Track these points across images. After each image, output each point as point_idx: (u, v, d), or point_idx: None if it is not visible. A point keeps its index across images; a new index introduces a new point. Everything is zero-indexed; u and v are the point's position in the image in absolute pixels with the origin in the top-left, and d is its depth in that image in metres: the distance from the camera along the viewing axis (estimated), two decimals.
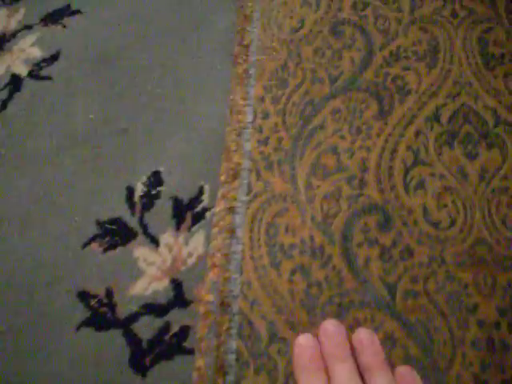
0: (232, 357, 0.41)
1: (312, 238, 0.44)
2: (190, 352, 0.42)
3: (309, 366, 0.39)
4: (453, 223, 0.44)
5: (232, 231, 0.44)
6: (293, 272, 0.43)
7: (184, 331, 0.43)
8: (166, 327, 0.43)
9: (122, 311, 0.44)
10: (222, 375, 0.40)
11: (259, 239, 0.44)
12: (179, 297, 0.43)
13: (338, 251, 0.43)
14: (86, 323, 0.43)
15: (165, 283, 0.44)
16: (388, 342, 0.41)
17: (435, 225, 0.44)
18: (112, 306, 0.44)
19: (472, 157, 0.46)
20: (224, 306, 0.43)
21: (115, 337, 0.43)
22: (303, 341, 0.40)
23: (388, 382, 0.38)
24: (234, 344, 0.42)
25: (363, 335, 0.40)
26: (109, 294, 0.44)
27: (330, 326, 0.40)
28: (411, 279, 0.42)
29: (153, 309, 0.43)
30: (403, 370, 0.39)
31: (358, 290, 0.42)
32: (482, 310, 0.42)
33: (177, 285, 0.44)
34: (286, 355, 0.41)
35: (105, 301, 0.44)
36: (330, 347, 0.39)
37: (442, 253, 0.43)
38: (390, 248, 0.43)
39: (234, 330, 0.42)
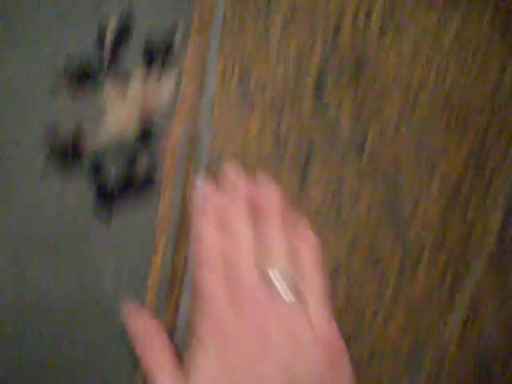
0: None
1: None
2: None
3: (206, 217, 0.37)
4: None
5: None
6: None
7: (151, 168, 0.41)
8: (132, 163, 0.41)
9: (88, 152, 0.42)
10: None
11: None
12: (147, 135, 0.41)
13: None
14: (52, 164, 0.42)
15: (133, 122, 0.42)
16: None
17: None
18: (78, 147, 0.42)
19: None
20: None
21: (80, 178, 0.41)
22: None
23: (287, 238, 0.36)
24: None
25: (267, 188, 0.38)
26: (76, 131, 0.42)
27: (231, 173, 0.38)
28: None
29: (119, 147, 0.41)
30: (304, 230, 0.37)
31: None
32: None
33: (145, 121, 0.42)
34: None
35: (70, 140, 0.42)
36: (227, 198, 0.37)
37: None
38: None
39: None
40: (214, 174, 0.38)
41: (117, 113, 0.40)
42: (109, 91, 0.39)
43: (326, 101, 0.39)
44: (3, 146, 0.39)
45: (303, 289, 0.35)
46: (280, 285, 0.34)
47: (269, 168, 0.38)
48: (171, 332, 0.38)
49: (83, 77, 0.38)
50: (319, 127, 0.39)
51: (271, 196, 0.37)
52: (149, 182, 0.39)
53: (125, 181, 0.39)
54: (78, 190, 0.40)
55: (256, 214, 0.36)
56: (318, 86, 0.39)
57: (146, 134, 0.40)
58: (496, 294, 0.40)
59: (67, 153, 0.39)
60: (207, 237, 0.35)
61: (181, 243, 0.38)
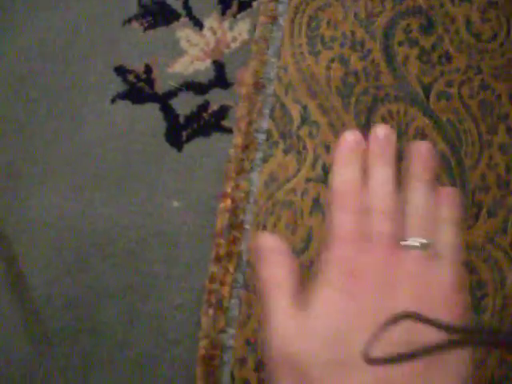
0: (262, 136, 0.40)
1: (353, 33, 0.43)
2: (228, 130, 0.41)
3: (348, 156, 0.37)
4: (494, 37, 0.44)
5: (274, 18, 0.44)
6: (331, 60, 0.43)
7: (223, 110, 0.42)
8: (205, 105, 0.42)
9: (161, 87, 0.43)
10: (252, 151, 0.40)
11: (300, 29, 0.44)
12: (221, 78, 0.42)
13: (378, 47, 0.43)
14: (122, 96, 0.42)
15: (207, 64, 0.43)
16: (418, 136, 0.40)
17: (477, 36, 0.43)
18: (150, 82, 0.42)
19: None
20: (258, 87, 0.42)
21: (152, 111, 0.42)
22: (349, 135, 0.38)
23: (426, 198, 0.36)
24: (265, 123, 0.41)
25: (424, 147, 0.38)
26: (148, 70, 0.43)
27: (382, 130, 0.38)
28: (446, 83, 0.42)
29: (193, 87, 0.42)
30: (449, 189, 0.37)
31: (394, 85, 0.42)
32: None
33: (219, 66, 0.43)
34: (315, 138, 0.40)
35: (143, 76, 0.43)
36: (375, 147, 0.37)
37: (480, 63, 0.43)
38: (429, 51, 0.43)
39: (266, 110, 0.41)
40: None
41: (192, 52, 0.42)
42: (184, 28, 0.41)
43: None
44: (77, 75, 0.39)
45: (437, 253, 0.34)
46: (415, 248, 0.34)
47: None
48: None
49: (158, 12, 0.40)
50: None
51: (421, 150, 0.37)
52: (217, 127, 0.40)
53: (196, 120, 0.40)
54: (150, 117, 0.40)
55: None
56: None
57: (220, 78, 0.42)
58: None
59: (139, 84, 0.39)
60: (346, 174, 0.35)
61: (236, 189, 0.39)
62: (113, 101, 0.40)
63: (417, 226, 0.33)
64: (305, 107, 0.41)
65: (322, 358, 0.30)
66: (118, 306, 0.37)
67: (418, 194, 0.34)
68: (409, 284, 0.31)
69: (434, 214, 0.34)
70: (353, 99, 0.41)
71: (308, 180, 0.39)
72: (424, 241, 0.33)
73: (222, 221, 0.38)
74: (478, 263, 0.39)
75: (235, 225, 0.38)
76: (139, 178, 0.39)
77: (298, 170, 0.39)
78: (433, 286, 0.32)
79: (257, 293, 0.34)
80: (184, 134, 0.40)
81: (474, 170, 0.40)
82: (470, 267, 0.39)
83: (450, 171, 0.40)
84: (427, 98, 0.42)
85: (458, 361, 0.31)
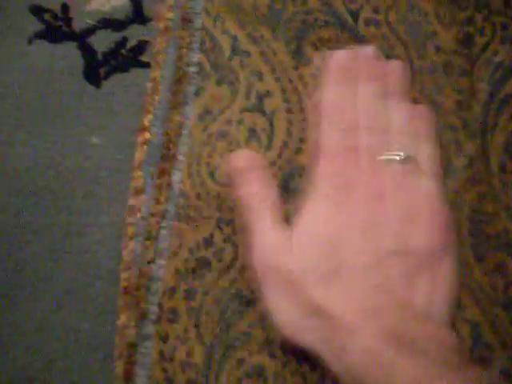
0: (193, 69, 0.40)
1: None
2: (146, 65, 0.40)
3: (338, 74, 0.36)
4: None
5: None
6: None
7: (141, 46, 0.41)
8: (123, 41, 0.41)
9: (78, 25, 0.42)
10: (183, 85, 0.39)
11: None
12: (138, 13, 0.42)
13: None
14: (39, 36, 0.42)
15: (124, 0, 0.43)
16: None
17: None
18: (67, 20, 0.42)
19: None
20: (185, 21, 0.41)
21: (70, 49, 0.41)
22: (341, 53, 0.37)
23: (406, 115, 0.36)
24: (195, 57, 0.40)
25: (396, 64, 0.37)
26: (64, 8, 0.43)
27: (369, 49, 0.38)
28: (373, 10, 0.41)
29: (110, 23, 0.42)
30: (423, 107, 0.37)
31: (322, 11, 0.41)
32: (441, 38, 0.41)
33: (137, 2, 0.42)
34: (247, 68, 0.40)
35: (60, 15, 0.42)
36: (363, 65, 0.37)
37: None
38: None
39: (195, 44, 0.41)
40: None
41: None
42: None
43: None
44: None
45: (416, 166, 0.34)
46: (399, 161, 0.34)
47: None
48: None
49: None
50: None
51: (397, 70, 0.37)
52: (136, 62, 0.40)
53: (113, 56, 0.39)
54: (68, 56, 0.40)
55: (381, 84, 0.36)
56: None
57: (138, 14, 0.41)
58: None
59: (56, 23, 0.39)
60: (332, 93, 0.35)
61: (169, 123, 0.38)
62: (29, 41, 0.40)
63: (399, 141, 0.34)
64: (234, 37, 0.40)
65: (313, 267, 0.31)
66: (40, 243, 0.37)
67: (399, 111, 0.35)
68: (395, 195, 0.32)
69: (413, 130, 0.34)
70: (281, 27, 0.40)
71: (243, 110, 0.38)
72: (403, 154, 0.33)
73: (140, 154, 0.38)
74: None
75: (166, 157, 0.38)
76: (58, 117, 0.39)
77: (232, 101, 0.38)
78: (417, 196, 0.33)
79: (237, 213, 0.34)
80: (102, 70, 0.40)
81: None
82: None
83: None
84: (356, 24, 0.41)
85: (447, 269, 0.31)
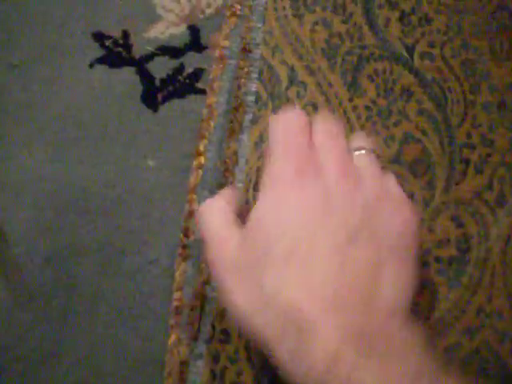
0: (251, 98, 0.41)
1: None
2: (202, 92, 0.42)
3: (296, 141, 0.32)
4: None
5: None
6: (315, 23, 0.43)
7: (198, 73, 0.43)
8: (180, 68, 0.43)
9: (138, 51, 0.44)
10: (240, 114, 0.40)
11: None
12: (195, 41, 0.43)
13: (359, 10, 0.43)
14: (100, 61, 0.43)
15: (182, 28, 0.44)
16: (404, 95, 0.41)
17: None
18: (127, 46, 0.44)
19: None
20: (245, 51, 0.43)
21: (129, 74, 0.43)
22: (293, 113, 0.33)
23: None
24: (253, 86, 0.42)
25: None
26: (125, 35, 0.44)
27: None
28: (428, 44, 0.42)
29: (168, 50, 0.43)
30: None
31: (378, 46, 0.42)
32: (495, 76, 0.42)
33: (194, 30, 0.44)
34: (303, 98, 0.41)
35: (120, 41, 0.44)
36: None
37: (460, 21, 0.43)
38: (409, 13, 0.43)
39: (254, 74, 0.43)
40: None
41: (167, 17, 0.43)
42: None
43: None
44: (56, 40, 0.41)
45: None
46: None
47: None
48: None
49: None
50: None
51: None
52: (192, 89, 0.41)
53: (171, 82, 0.41)
54: (127, 81, 0.41)
55: None
56: None
57: (195, 42, 0.43)
58: None
59: (117, 49, 0.41)
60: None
61: (226, 150, 0.39)
62: (91, 66, 0.41)
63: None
64: (292, 68, 0.41)
65: (265, 253, 0.28)
66: (95, 262, 0.38)
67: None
68: (362, 181, 0.31)
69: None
70: (338, 59, 0.42)
71: None
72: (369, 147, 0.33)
73: (194, 177, 0.39)
74: (466, 217, 0.39)
75: (223, 185, 0.39)
76: (115, 139, 0.40)
77: None
78: (384, 190, 0.32)
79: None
80: (160, 95, 0.41)
81: (459, 128, 0.40)
82: (457, 221, 0.39)
83: (436, 127, 0.40)
84: (411, 57, 0.42)
85: (413, 259, 0.30)
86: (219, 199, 0.33)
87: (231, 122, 0.41)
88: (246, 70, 0.42)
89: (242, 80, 0.42)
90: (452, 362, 0.35)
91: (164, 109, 0.41)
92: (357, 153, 0.33)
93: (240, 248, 0.29)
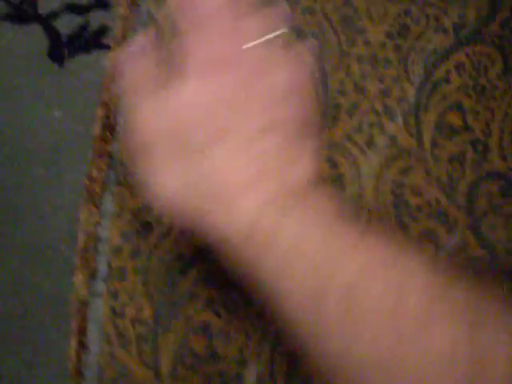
0: None
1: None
2: (107, 47, 0.44)
3: None
4: None
5: None
6: None
7: (103, 29, 0.45)
8: (86, 25, 0.45)
9: (44, 9, 0.46)
10: None
11: None
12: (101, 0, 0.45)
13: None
14: (6, 18, 0.45)
15: None
16: None
17: None
18: (33, 4, 0.46)
19: None
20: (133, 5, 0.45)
21: (35, 31, 0.45)
22: None
23: None
24: None
25: None
26: None
27: None
28: None
29: (74, 8, 0.45)
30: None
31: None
32: (370, 33, 0.43)
33: None
34: None
35: None
36: None
37: None
38: None
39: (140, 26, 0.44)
40: None
41: None
42: None
43: None
44: None
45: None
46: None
47: None
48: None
49: None
50: None
51: None
52: (97, 44, 0.43)
53: (77, 38, 0.43)
54: (34, 37, 0.43)
55: None
56: None
57: (100, 1, 0.44)
58: None
59: (23, 6, 0.42)
60: None
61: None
62: None
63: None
64: None
65: (198, 129, 0.29)
66: (2, 209, 0.40)
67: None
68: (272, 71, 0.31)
69: None
70: None
71: None
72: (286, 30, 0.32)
73: (99, 126, 0.42)
74: (338, 159, 0.42)
75: (106, 126, 0.41)
76: (22, 93, 0.42)
77: None
78: (291, 71, 0.32)
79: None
80: (65, 51, 0.43)
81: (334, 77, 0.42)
82: (331, 163, 0.42)
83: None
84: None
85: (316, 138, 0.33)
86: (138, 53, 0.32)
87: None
88: (132, 23, 0.44)
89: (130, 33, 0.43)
90: None
91: (70, 63, 0.43)
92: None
93: (168, 128, 0.29)
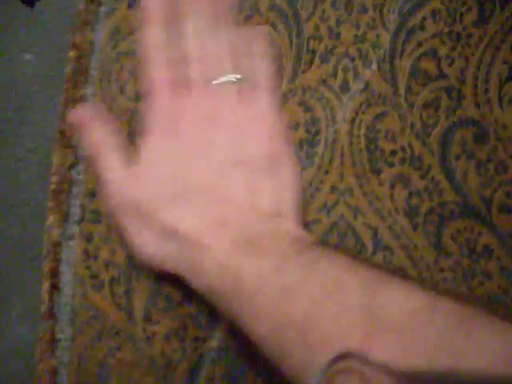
0: None
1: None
2: None
3: (156, 15, 0.34)
4: None
5: None
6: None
7: None
8: None
9: None
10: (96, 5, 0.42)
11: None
12: None
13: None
14: None
15: None
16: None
17: None
18: None
19: None
20: None
21: None
22: None
23: (235, 36, 0.35)
24: None
25: None
26: None
27: None
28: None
29: None
30: (257, 27, 0.38)
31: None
32: None
33: None
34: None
35: None
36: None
37: None
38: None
39: None
40: None
41: None
42: None
43: None
44: None
45: (253, 85, 0.35)
46: (230, 83, 0.34)
47: None
48: None
49: None
50: None
51: None
52: None
53: None
54: None
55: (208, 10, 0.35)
56: None
57: None
58: None
59: None
60: (156, 33, 0.34)
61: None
62: None
63: (230, 64, 0.35)
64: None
65: (160, 194, 0.33)
66: None
67: (231, 34, 0.35)
68: (230, 114, 0.34)
69: (247, 50, 0.35)
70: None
71: None
72: (238, 76, 0.34)
73: (71, 67, 0.41)
74: (313, 102, 0.41)
75: (80, 71, 0.40)
76: None
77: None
78: (252, 112, 0.34)
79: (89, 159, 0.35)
80: None
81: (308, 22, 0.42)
82: (305, 106, 0.41)
83: (286, 21, 0.42)
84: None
85: (288, 173, 0.34)
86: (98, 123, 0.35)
87: (86, 11, 0.42)
88: None
89: None
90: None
91: (41, 5, 0.43)
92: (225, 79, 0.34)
93: (139, 192, 0.33)
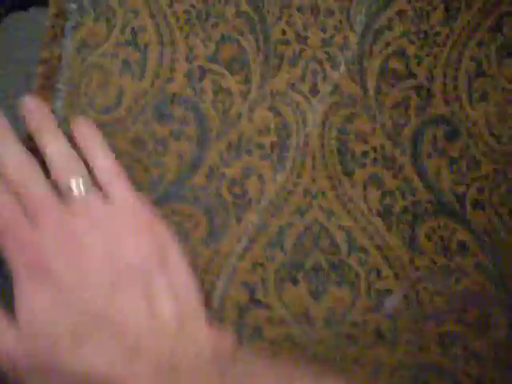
0: (73, 6, 0.42)
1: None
2: (45, 4, 0.43)
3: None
4: None
5: None
6: None
7: None
8: None
9: None
10: (62, 20, 0.41)
11: None
12: None
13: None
14: None
15: None
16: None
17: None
18: None
19: None
20: None
21: None
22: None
23: (60, 145, 0.35)
24: None
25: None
26: None
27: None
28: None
29: None
30: (79, 125, 0.37)
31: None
32: None
33: None
34: (123, 5, 0.42)
35: None
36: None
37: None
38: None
39: None
40: None
41: None
42: None
43: None
44: None
45: (102, 181, 0.34)
46: (76, 188, 0.33)
47: None
48: None
49: None
50: None
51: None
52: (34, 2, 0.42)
53: None
54: None
55: None
56: None
57: None
58: None
59: None
60: None
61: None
62: None
63: (66, 173, 0.33)
64: None
65: (55, 343, 0.30)
66: None
67: (51, 146, 0.34)
68: (92, 232, 0.32)
69: (75, 155, 0.34)
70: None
71: (118, 44, 0.41)
72: (79, 181, 0.33)
73: (39, 83, 0.41)
74: (282, 107, 0.42)
75: (44, 86, 0.40)
76: None
77: (108, 36, 0.41)
78: (114, 217, 0.32)
79: None
80: (2, 8, 0.42)
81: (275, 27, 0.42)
82: (275, 111, 0.42)
83: (253, 27, 0.42)
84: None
85: (175, 261, 0.33)
86: None
87: (53, 27, 0.41)
88: None
89: None
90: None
91: (8, 21, 0.43)
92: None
93: (22, 343, 0.30)
